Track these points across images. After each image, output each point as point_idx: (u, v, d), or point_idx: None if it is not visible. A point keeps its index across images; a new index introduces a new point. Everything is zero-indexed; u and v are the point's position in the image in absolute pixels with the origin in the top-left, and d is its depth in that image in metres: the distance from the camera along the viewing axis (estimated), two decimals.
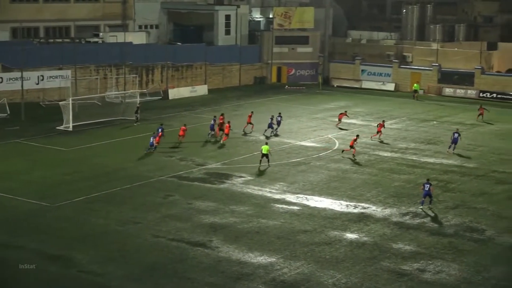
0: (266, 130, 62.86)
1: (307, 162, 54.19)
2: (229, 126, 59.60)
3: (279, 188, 47.08)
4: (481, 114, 72.10)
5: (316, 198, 45.16)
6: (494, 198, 46.16)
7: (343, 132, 64.81)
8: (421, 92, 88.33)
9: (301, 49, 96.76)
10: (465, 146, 59.93)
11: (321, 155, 56.16)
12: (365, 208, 43.32)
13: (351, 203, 44.12)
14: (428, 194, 43.57)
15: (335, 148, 58.54)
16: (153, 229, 38.70)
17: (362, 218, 41.40)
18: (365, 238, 38.21)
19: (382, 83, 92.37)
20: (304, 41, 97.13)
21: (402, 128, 68.17)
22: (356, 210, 42.87)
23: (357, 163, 53.71)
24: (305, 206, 43.48)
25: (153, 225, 39.26)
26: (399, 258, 35.63)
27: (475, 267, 34.69)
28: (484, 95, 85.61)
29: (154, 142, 55.22)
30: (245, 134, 62.32)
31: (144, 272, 33.21)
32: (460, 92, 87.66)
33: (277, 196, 45.37)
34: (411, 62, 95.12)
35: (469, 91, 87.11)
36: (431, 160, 55.61)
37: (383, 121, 64.61)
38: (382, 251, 36.48)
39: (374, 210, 43.03)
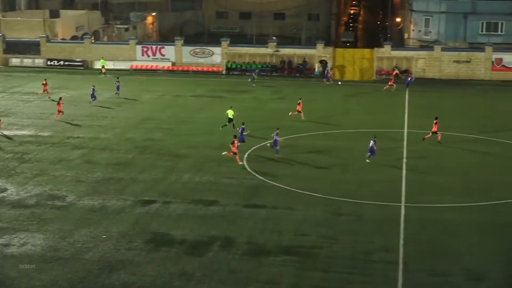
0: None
1: None
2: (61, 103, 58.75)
3: None
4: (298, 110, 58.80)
5: None
6: (72, 164, 46.93)
7: None
8: None
9: None
10: (38, 115, 59.81)
11: None
12: None
13: None
14: (371, 150, 46.28)
15: None
16: None
17: None
18: None
19: None
20: None
21: None
22: None
23: None
24: None
25: None
26: None
27: (60, 234, 35.06)
28: (52, 63, 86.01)
29: None
30: None
31: None
32: (27, 61, 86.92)
33: None
34: None
35: (36, 60, 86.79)
36: (6, 132, 54.47)
37: None
38: None
39: None
